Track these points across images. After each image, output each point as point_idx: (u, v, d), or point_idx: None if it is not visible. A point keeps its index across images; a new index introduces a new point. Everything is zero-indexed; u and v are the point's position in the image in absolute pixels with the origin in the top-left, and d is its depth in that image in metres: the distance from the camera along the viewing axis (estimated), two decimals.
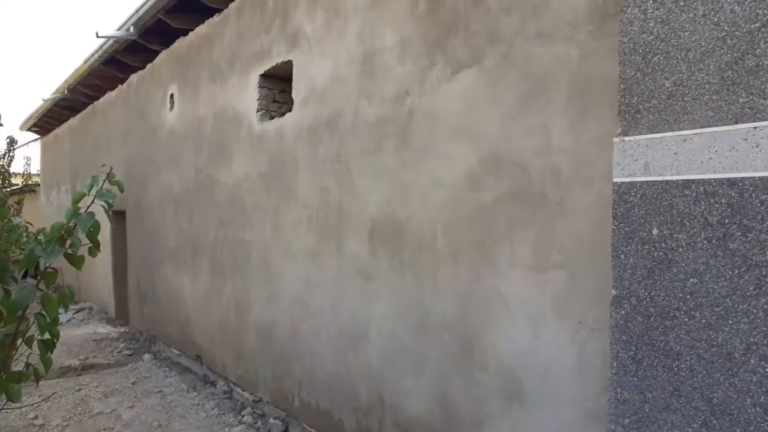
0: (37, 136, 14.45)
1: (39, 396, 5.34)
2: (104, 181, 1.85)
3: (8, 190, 14.47)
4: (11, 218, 2.19)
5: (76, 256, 1.83)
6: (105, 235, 9.04)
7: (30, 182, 16.73)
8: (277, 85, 4.90)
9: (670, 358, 2.01)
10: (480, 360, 2.89)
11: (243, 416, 4.69)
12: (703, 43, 1.95)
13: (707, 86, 1.94)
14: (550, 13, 2.58)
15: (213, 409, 4.92)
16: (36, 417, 4.81)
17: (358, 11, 3.72)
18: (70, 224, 1.74)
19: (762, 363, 1.79)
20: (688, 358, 1.97)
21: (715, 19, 1.92)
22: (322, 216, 4.05)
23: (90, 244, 1.85)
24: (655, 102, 2.08)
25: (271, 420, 4.55)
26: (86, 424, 4.67)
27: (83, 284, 10.43)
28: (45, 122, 12.62)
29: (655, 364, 2.06)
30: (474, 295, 2.92)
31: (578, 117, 2.47)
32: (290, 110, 4.46)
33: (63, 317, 8.86)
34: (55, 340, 1.91)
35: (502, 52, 2.80)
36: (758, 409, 1.79)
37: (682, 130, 2.01)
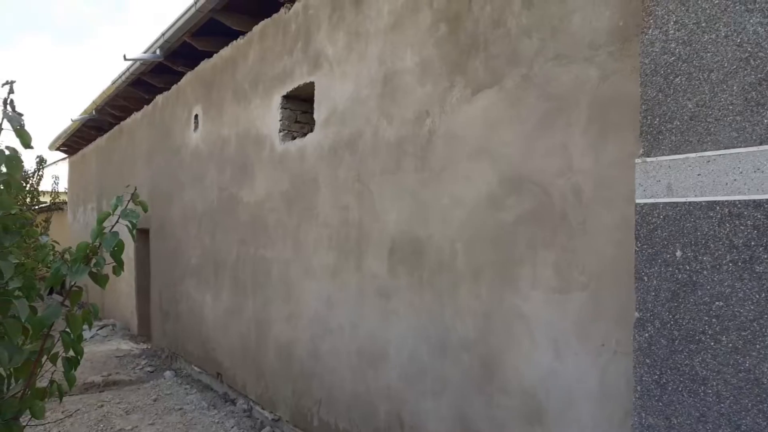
0: (65, 156, 14.78)
1: (62, 412, 5.40)
2: (128, 201, 1.88)
3: (36, 208, 14.77)
4: (39, 237, 2.24)
5: (101, 274, 1.86)
6: (129, 252, 9.17)
7: (57, 200, 17.06)
8: (300, 106, 4.97)
9: (696, 383, 1.97)
10: (501, 382, 2.86)
11: None
12: (726, 64, 1.94)
13: (731, 107, 1.93)
14: (570, 35, 2.59)
15: (233, 427, 4.92)
16: None
17: (378, 33, 3.77)
18: (95, 243, 1.77)
19: None
20: (714, 383, 1.93)
21: (738, 40, 1.91)
22: (342, 234, 4.07)
23: (114, 263, 1.88)
24: (678, 123, 2.07)
25: None
26: None
27: (107, 301, 10.57)
28: (73, 142, 12.92)
29: (680, 388, 2.02)
30: (495, 315, 2.90)
31: (599, 137, 2.46)
32: (312, 130, 4.51)
33: (87, 334, 8.97)
34: (79, 357, 1.94)
35: (521, 73, 2.81)
36: None
37: (706, 151, 1.99)
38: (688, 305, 2.00)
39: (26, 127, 1.54)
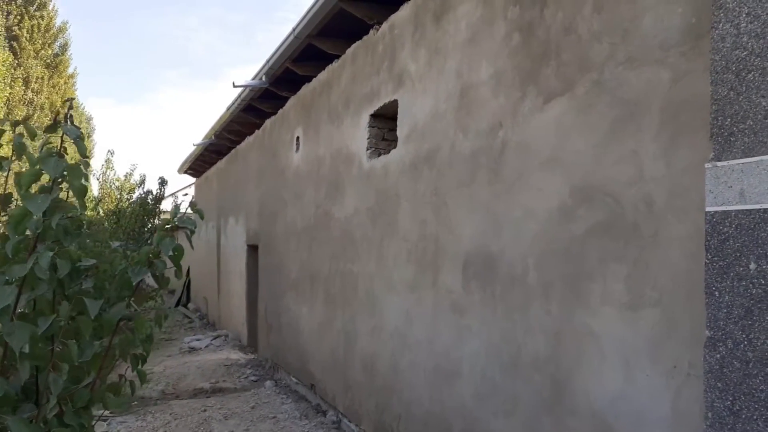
0: (192, 179, 16.08)
1: (170, 414, 5.82)
2: (186, 209, 2.04)
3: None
4: (111, 242, 2.47)
5: (163, 277, 2.01)
6: (240, 267, 9.77)
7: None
8: (386, 124, 5.07)
9: None
10: (570, 404, 2.70)
11: None
12: None
13: None
14: (641, 36, 2.45)
15: None
16: None
17: (456, 48, 3.78)
18: (157, 248, 1.93)
19: None
20: None
21: None
22: (420, 249, 4.08)
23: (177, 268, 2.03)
24: (751, 123, 1.88)
25: None
26: None
27: (222, 313, 11.28)
28: (198, 165, 14.06)
29: (755, 417, 1.80)
30: (565, 333, 2.76)
31: (670, 143, 2.29)
32: (395, 147, 4.59)
33: (201, 343, 9.64)
34: (146, 354, 2.09)
35: (592, 79, 2.69)
36: None
37: None
38: (764, 323, 1.79)
39: (83, 140, 1.72)
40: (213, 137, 10.64)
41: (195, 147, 11.88)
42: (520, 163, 3.13)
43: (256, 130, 9.13)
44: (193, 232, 2.03)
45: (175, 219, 1.98)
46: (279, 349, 7.54)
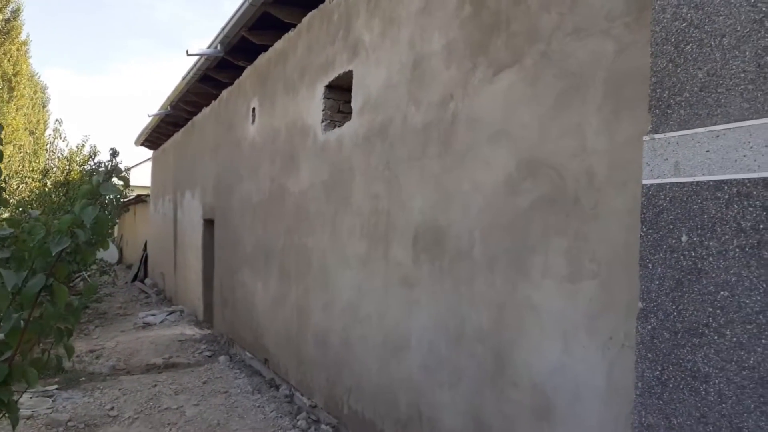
0: (149, 153, 15.66)
1: (119, 389, 5.71)
2: (111, 174, 1.94)
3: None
4: (29, 212, 2.34)
5: (87, 249, 1.91)
6: (197, 242, 9.59)
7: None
8: (342, 96, 4.98)
9: (698, 381, 1.78)
10: (512, 376, 2.73)
11: (298, 420, 4.74)
12: (739, 27, 1.74)
13: (743, 75, 1.73)
14: (588, 6, 2.42)
15: (272, 411, 5.01)
16: (112, 408, 5.13)
17: (410, 17, 3.70)
18: (78, 217, 1.83)
19: None
20: (716, 381, 1.73)
21: (752, 0, 1.71)
22: (372, 223, 4.04)
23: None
24: (687, 95, 1.88)
25: (323, 426, 4.56)
26: (154, 417, 4.92)
27: (179, 288, 11.09)
28: (155, 137, 13.67)
29: (681, 386, 1.83)
30: (508, 306, 2.77)
31: (613, 116, 2.29)
32: (350, 119, 4.51)
33: (156, 318, 9.47)
34: (72, 327, 2.00)
35: (540, 50, 2.66)
36: None
37: (715, 125, 1.79)
38: (693, 295, 1.81)
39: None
40: (169, 108, 10.33)
41: (151, 118, 11.53)
42: (470, 137, 3.10)
43: (213, 101, 8.90)
44: (118, 201, 1.94)
45: (99, 186, 1.88)
46: (234, 324, 7.46)
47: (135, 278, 15.56)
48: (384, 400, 3.80)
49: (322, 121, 4.99)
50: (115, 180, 1.97)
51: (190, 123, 10.53)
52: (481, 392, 2.91)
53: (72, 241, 1.82)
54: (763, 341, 1.62)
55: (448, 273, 3.21)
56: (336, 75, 4.74)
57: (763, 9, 1.68)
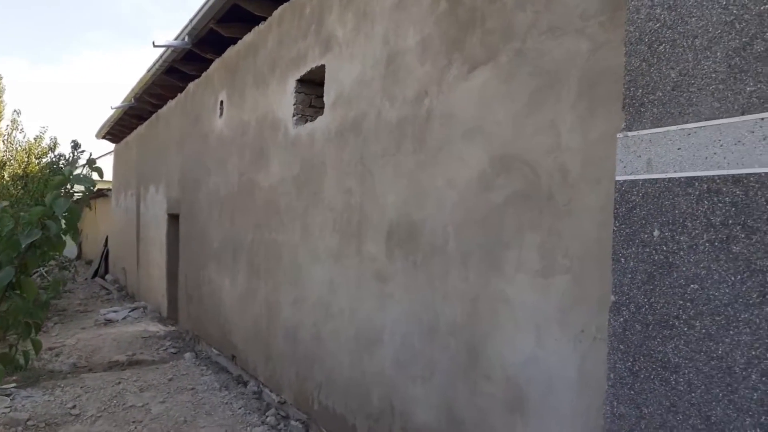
0: (111, 146, 15.27)
1: (81, 387, 5.56)
2: (83, 167, 1.88)
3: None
4: None
5: (57, 240, 1.86)
6: (161, 237, 9.41)
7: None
8: (313, 90, 4.95)
9: (668, 371, 1.84)
10: (485, 368, 2.76)
11: (266, 417, 4.70)
12: (711, 29, 1.80)
13: (714, 75, 1.78)
14: (563, 5, 2.47)
15: (240, 408, 4.96)
16: (74, 407, 5.00)
17: (384, 13, 3.70)
18: (50, 209, 1.77)
19: (764, 379, 1.60)
20: (686, 372, 1.79)
21: (723, 2, 1.77)
22: (345, 218, 4.03)
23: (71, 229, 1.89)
24: (660, 94, 1.93)
25: (293, 422, 4.54)
26: (118, 415, 4.81)
27: (141, 285, 10.87)
28: (117, 130, 13.34)
29: (652, 376, 1.89)
30: (481, 300, 2.81)
31: (587, 113, 2.34)
32: (322, 114, 4.49)
33: (118, 315, 9.26)
34: (40, 322, 1.94)
35: (515, 48, 2.70)
36: (758, 430, 1.60)
37: (687, 123, 1.85)
38: (664, 288, 1.87)
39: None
40: (133, 100, 10.10)
41: (114, 110, 11.25)
42: (445, 133, 3.12)
43: (179, 94, 8.73)
44: (90, 192, 1.88)
45: (71, 177, 1.82)
46: (200, 320, 7.35)
47: (95, 274, 15.17)
48: (356, 395, 3.81)
49: (294, 115, 4.95)
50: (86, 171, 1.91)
51: (154, 116, 10.31)
52: (455, 385, 2.94)
53: (43, 233, 1.76)
54: (730, 332, 1.69)
55: (422, 268, 3.23)
56: (308, 69, 4.71)
57: (734, 11, 1.74)
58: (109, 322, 8.94)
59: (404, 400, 3.32)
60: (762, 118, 1.65)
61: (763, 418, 1.60)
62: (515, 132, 2.67)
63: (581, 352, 2.30)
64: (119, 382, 5.70)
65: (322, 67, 4.49)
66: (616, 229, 2.04)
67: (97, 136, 14.38)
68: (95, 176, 2.08)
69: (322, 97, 4.73)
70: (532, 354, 2.51)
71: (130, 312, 9.44)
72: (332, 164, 4.24)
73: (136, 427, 4.50)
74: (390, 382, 3.46)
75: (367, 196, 3.77)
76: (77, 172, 1.82)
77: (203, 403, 5.11)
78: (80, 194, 2.11)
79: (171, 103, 9.16)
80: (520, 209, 2.61)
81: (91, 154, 1.98)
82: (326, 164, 4.33)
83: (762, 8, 1.67)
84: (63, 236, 1.91)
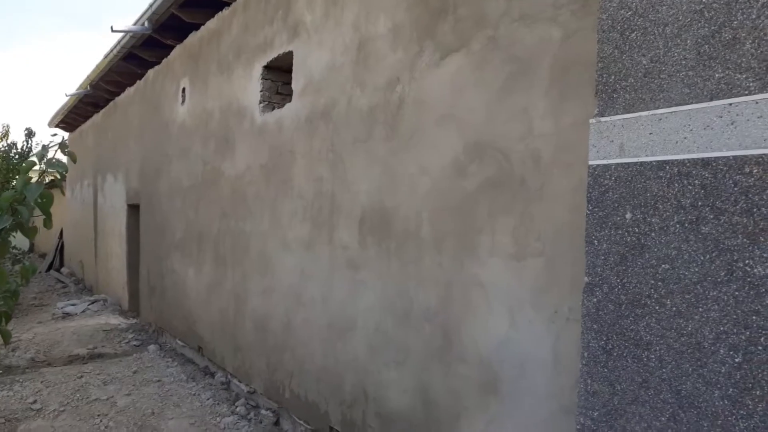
0: (65, 135, 14.76)
1: (41, 382, 5.41)
2: (55, 151, 1.83)
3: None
4: None
5: (29, 227, 1.80)
6: (120, 228, 9.18)
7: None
8: (281, 77, 4.89)
9: (640, 348, 1.91)
10: (459, 351, 2.81)
11: (236, 407, 4.67)
12: (681, 17, 1.86)
13: (684, 62, 1.85)
14: None
15: (208, 399, 4.91)
16: (35, 402, 4.86)
17: None
18: (20, 194, 1.72)
19: (731, 353, 1.68)
20: (657, 348, 1.86)
21: None
22: (316, 206, 4.02)
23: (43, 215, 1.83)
24: (632, 80, 1.99)
25: (263, 411, 4.52)
26: (82, 409, 4.71)
27: (100, 277, 10.59)
28: (72, 119, 12.90)
29: (625, 354, 1.96)
30: (455, 284, 2.85)
31: (559, 100, 2.39)
32: (290, 101, 4.44)
33: (77, 308, 9.01)
34: (9, 312, 1.89)
35: (488, 36, 2.73)
36: (726, 402, 1.68)
37: (658, 108, 1.91)
38: (636, 268, 1.94)
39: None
40: (89, 87, 9.77)
41: (68, 98, 10.87)
42: (417, 120, 3.14)
43: (138, 81, 8.50)
44: (63, 177, 1.83)
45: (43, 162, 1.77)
46: (163, 312, 7.22)
47: (50, 267, 14.71)
48: (328, 382, 3.82)
49: (260, 103, 4.89)
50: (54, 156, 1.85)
51: (112, 103, 10.02)
52: (429, 369, 2.98)
53: (14, 218, 1.71)
54: (700, 309, 1.76)
55: (395, 254, 3.25)
56: (275, 55, 4.65)
57: (703, 0, 1.80)
58: (67, 315, 8.69)
59: (378, 386, 3.35)
60: (729, 104, 1.72)
61: (731, 390, 1.68)
62: (488, 119, 2.70)
63: (554, 333, 2.36)
64: (81, 376, 5.56)
65: (290, 53, 4.44)
66: (589, 212, 2.09)
67: (50, 124, 13.88)
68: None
69: (289, 84, 4.68)
70: (507, 336, 2.56)
71: (89, 305, 9.20)
72: (302, 152, 4.21)
73: (101, 421, 4.41)
74: (364, 368, 3.48)
75: (339, 184, 3.76)
76: (49, 155, 1.76)
77: (170, 394, 5.03)
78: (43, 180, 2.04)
79: (129, 90, 8.91)
80: (494, 195, 2.66)
81: (63, 138, 1.92)
82: (296, 152, 4.29)
83: None
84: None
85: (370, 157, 3.48)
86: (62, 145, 1.88)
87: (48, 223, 1.85)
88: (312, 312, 4.05)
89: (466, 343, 2.77)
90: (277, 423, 4.41)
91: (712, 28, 1.78)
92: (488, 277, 2.67)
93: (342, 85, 3.77)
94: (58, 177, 1.68)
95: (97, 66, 8.71)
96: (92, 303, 9.41)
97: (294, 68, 4.37)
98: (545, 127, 2.44)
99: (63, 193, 1.82)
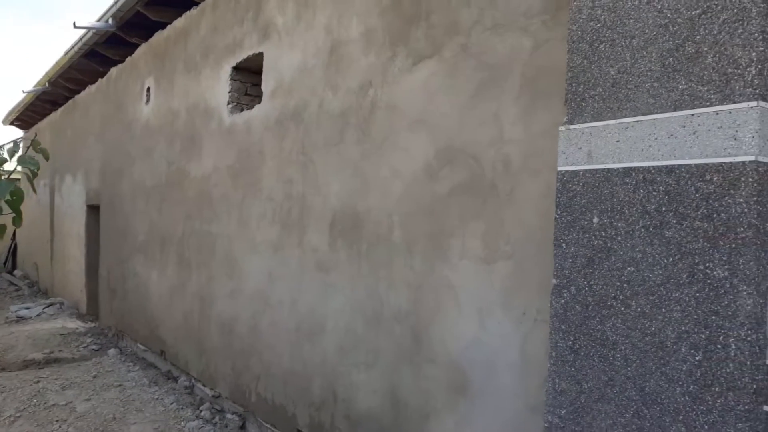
0: (20, 133, 14.29)
1: None
2: (28, 148, 1.79)
3: None
4: None
5: None
6: (79, 230, 8.94)
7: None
8: (250, 78, 4.87)
9: (606, 348, 1.98)
10: (429, 353, 2.85)
11: (201, 411, 4.61)
12: (647, 31, 1.95)
13: (649, 73, 1.93)
14: (507, 3, 2.57)
15: (172, 403, 4.83)
16: None
17: (326, 2, 3.70)
18: None
19: (692, 351, 1.76)
20: (622, 348, 1.94)
21: (659, 6, 1.91)
22: (285, 208, 4.01)
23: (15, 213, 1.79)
24: (600, 90, 2.07)
25: (229, 415, 4.47)
26: (40, 415, 4.57)
27: (56, 280, 10.29)
28: (28, 116, 12.50)
29: (591, 353, 2.03)
30: (426, 287, 2.89)
31: (529, 107, 2.45)
32: (260, 102, 4.43)
33: (31, 311, 8.73)
34: None
35: (460, 43, 2.78)
36: (687, 398, 1.76)
37: (625, 117, 1.99)
38: (602, 271, 2.01)
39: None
40: (47, 84, 9.49)
41: (25, 95, 10.53)
42: (389, 124, 3.17)
43: (100, 79, 8.31)
44: (35, 174, 1.80)
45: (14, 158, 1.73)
46: (124, 315, 7.06)
47: (1, 270, 14.20)
48: (296, 385, 3.81)
49: (229, 103, 4.86)
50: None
51: (71, 101, 9.76)
52: (399, 370, 3.01)
53: None
54: (663, 310, 1.84)
55: (366, 257, 3.27)
56: (245, 57, 4.63)
57: (668, 15, 1.89)
58: (21, 319, 8.41)
59: (347, 387, 3.36)
60: (692, 114, 1.81)
61: (692, 387, 1.76)
62: (460, 124, 2.76)
63: (523, 334, 2.42)
64: (38, 381, 5.39)
65: (260, 54, 4.43)
66: (557, 216, 2.16)
67: (4, 122, 13.43)
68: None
69: (258, 85, 4.66)
70: (476, 337, 2.61)
71: (44, 308, 8.92)
72: (271, 153, 4.20)
73: (60, 426, 4.29)
74: (333, 371, 3.48)
75: (310, 186, 3.77)
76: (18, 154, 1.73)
77: (132, 399, 4.93)
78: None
79: (91, 88, 8.71)
80: (465, 199, 2.71)
81: (36, 135, 1.87)
82: (265, 153, 4.28)
83: (693, 13, 1.82)
84: None
85: (342, 159, 3.50)
86: (34, 142, 1.84)
87: (18, 221, 1.81)
88: (280, 315, 4.03)
89: (436, 344, 2.81)
90: (243, 427, 4.37)
91: (676, 41, 1.87)
92: (458, 279, 2.72)
93: (313, 87, 3.78)
94: (29, 174, 1.63)
95: (57, 62, 8.48)
96: (48, 306, 9.13)
97: (264, 70, 4.36)
98: (515, 133, 2.51)
99: (35, 191, 1.77)
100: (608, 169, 2.02)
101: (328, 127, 3.62)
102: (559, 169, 2.17)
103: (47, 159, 1.86)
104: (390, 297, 3.09)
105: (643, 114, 1.94)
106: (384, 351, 3.11)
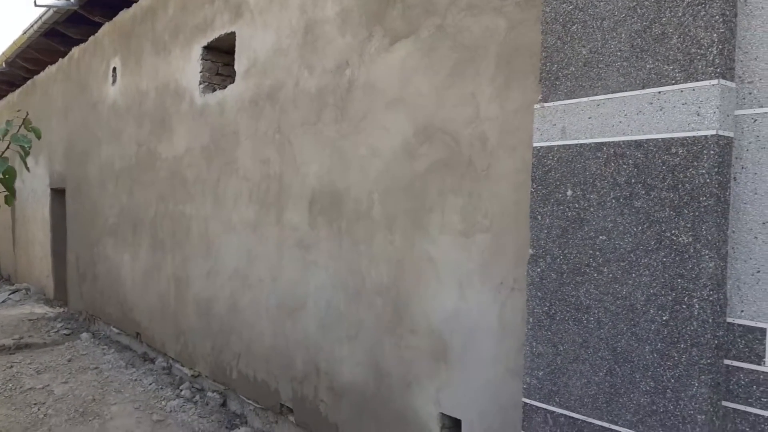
0: None
1: None
2: (20, 126, 1.81)
3: None
4: None
5: None
6: (44, 214, 8.76)
7: None
8: (221, 58, 4.85)
9: (580, 312, 2.12)
10: (410, 324, 2.96)
11: (181, 390, 4.66)
12: (617, 13, 2.06)
13: (619, 53, 2.05)
14: None
15: (151, 384, 4.86)
16: None
17: None
18: None
19: (660, 312, 1.91)
20: (596, 311, 2.08)
21: None
22: (263, 188, 4.05)
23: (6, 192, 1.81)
24: (573, 69, 2.18)
25: (209, 393, 4.54)
26: (17, 398, 4.55)
27: (20, 266, 10.08)
28: None
29: (566, 318, 2.17)
30: (407, 261, 2.99)
31: (504, 86, 2.55)
32: (233, 82, 4.42)
33: None
34: None
35: (436, 24, 2.86)
36: (655, 356, 1.92)
37: (596, 95, 2.11)
38: (576, 240, 2.14)
39: None
40: (4, 65, 9.20)
41: None
42: (367, 103, 3.24)
43: (61, 59, 8.09)
44: (27, 153, 1.81)
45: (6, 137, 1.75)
46: (95, 300, 7.00)
47: None
48: (278, 361, 3.89)
49: (200, 84, 4.83)
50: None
51: (30, 82, 9.48)
52: (381, 342, 3.12)
53: None
54: (633, 275, 1.98)
55: (346, 234, 3.35)
56: (216, 36, 4.60)
57: None
58: None
59: (330, 361, 3.46)
60: (659, 92, 1.93)
61: (659, 344, 1.91)
62: (437, 103, 2.84)
63: (500, 302, 2.55)
64: (11, 366, 5.35)
65: (233, 34, 4.41)
66: (533, 190, 2.28)
67: None
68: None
69: (230, 65, 4.66)
70: (456, 307, 2.74)
71: (10, 294, 8.76)
72: (247, 134, 4.22)
73: (39, 409, 4.29)
74: (315, 345, 3.58)
75: (287, 166, 3.81)
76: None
77: (110, 381, 4.94)
78: None
79: (51, 68, 8.47)
80: (443, 175, 2.81)
81: (27, 114, 1.88)
82: (240, 134, 4.29)
83: None
84: None
85: (320, 139, 3.55)
86: (26, 121, 1.85)
87: (10, 199, 1.83)
88: (260, 293, 4.09)
89: (417, 315, 2.92)
90: (224, 404, 4.44)
91: (644, 23, 1.98)
92: (438, 253, 2.83)
93: (289, 67, 3.81)
94: (22, 153, 1.63)
95: (15, 42, 8.23)
96: (13, 293, 8.96)
97: (237, 49, 4.35)
98: (491, 111, 2.61)
99: (27, 169, 1.77)
100: (581, 144, 2.14)
101: (305, 106, 3.66)
102: (535, 145, 2.28)
103: (39, 138, 1.88)
104: (371, 272, 3.19)
105: (613, 92, 2.06)
106: (366, 324, 3.22)
